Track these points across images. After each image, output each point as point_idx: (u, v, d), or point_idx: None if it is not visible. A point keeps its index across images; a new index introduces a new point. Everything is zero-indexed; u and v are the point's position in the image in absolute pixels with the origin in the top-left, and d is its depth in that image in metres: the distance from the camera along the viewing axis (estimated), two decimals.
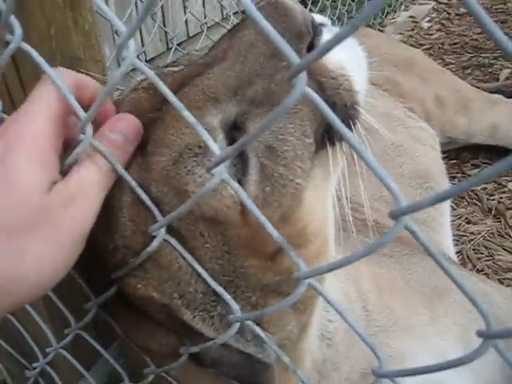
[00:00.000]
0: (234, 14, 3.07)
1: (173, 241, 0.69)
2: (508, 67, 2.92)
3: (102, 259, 0.75)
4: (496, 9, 3.80)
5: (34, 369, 1.18)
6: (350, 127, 0.77)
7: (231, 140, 0.69)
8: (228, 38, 0.76)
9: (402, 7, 3.86)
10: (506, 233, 1.91)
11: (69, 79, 0.67)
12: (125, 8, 2.56)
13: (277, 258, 0.72)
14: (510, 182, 2.14)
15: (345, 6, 3.40)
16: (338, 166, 0.81)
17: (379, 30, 3.56)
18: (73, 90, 0.66)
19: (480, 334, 0.45)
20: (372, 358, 0.59)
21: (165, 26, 2.91)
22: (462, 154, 2.27)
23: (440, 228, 1.72)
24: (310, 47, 0.75)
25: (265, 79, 0.71)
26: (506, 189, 2.11)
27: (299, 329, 0.85)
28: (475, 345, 0.47)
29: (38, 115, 0.64)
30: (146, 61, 2.86)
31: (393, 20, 3.71)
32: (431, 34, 3.49)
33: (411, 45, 3.31)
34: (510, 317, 1.31)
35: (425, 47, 3.32)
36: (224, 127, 0.69)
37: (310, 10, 3.20)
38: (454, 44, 3.31)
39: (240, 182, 0.66)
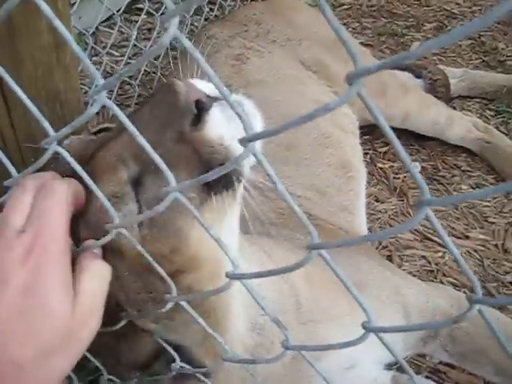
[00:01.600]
0: None
1: None
2: (418, 39, 3.15)
3: None
4: None
5: None
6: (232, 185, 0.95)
7: (136, 191, 0.90)
8: (134, 113, 0.98)
9: None
10: (407, 212, 2.21)
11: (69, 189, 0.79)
12: None
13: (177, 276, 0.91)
14: (413, 161, 2.42)
15: None
16: (226, 211, 0.97)
17: None
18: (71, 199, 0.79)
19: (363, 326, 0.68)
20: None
21: None
22: (374, 130, 2.51)
23: (358, 211, 1.96)
24: (198, 120, 0.92)
25: (158, 146, 0.88)
26: None
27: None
28: None
29: (53, 239, 0.73)
30: None
31: None
32: None
33: (333, 4, 3.43)
34: (415, 307, 1.60)
35: (344, 7, 3.45)
36: (131, 181, 0.90)
37: None
38: (372, 6, 3.47)
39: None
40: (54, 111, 1.15)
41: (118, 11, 2.50)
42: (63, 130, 0.70)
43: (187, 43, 0.56)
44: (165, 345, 0.98)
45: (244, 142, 0.59)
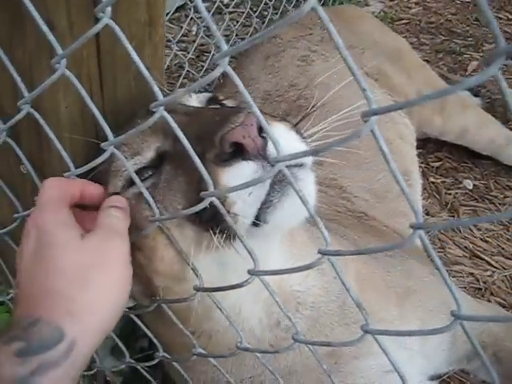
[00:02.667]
0: None
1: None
2: (477, 59, 3.13)
3: None
4: None
5: None
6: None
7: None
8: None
9: None
10: (457, 228, 2.18)
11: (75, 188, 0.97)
12: None
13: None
14: (465, 179, 2.40)
15: None
16: (208, 247, 0.95)
17: None
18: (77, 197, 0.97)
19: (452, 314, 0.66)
20: None
21: None
22: (427, 145, 2.49)
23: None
24: (226, 158, 0.87)
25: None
26: (461, 185, 2.37)
27: None
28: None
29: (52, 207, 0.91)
30: None
31: None
32: (410, 8, 3.61)
33: (392, 18, 3.43)
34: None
35: (403, 22, 3.45)
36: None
37: None
38: (431, 23, 3.46)
39: None
40: (139, 85, 1.17)
41: (182, 7, 2.54)
42: (175, 94, 0.72)
43: (323, 15, 0.57)
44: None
45: (367, 115, 0.59)
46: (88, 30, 0.83)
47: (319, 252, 0.73)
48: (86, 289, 0.80)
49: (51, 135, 0.98)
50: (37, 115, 0.97)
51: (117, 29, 0.77)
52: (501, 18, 3.48)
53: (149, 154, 1.01)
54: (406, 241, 0.66)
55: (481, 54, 3.17)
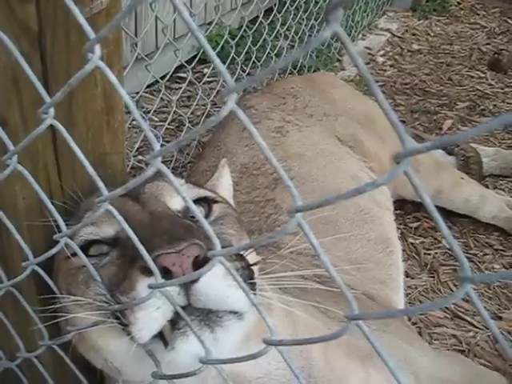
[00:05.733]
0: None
1: None
2: (451, 118, 3.20)
3: None
4: (443, 49, 4.09)
5: None
6: None
7: None
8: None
9: (360, 36, 4.08)
10: (437, 289, 2.18)
11: None
12: None
13: None
14: (444, 238, 2.40)
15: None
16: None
17: (337, 59, 3.75)
18: None
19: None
20: None
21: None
22: (405, 206, 2.52)
23: (397, 288, 1.94)
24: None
25: None
26: (441, 244, 2.38)
27: None
28: None
29: None
30: None
31: None
32: (385, 70, 3.73)
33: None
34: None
35: (378, 84, 3.54)
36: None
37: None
38: (405, 84, 3.57)
39: None
40: (99, 172, 1.19)
41: (162, 78, 2.61)
42: (118, 190, 0.74)
43: (243, 117, 0.60)
44: None
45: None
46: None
47: (264, 342, 0.73)
48: None
49: (9, 225, 0.99)
50: None
51: (61, 128, 0.79)
52: (472, 77, 3.59)
53: (108, 232, 1.03)
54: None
55: (455, 113, 3.25)
